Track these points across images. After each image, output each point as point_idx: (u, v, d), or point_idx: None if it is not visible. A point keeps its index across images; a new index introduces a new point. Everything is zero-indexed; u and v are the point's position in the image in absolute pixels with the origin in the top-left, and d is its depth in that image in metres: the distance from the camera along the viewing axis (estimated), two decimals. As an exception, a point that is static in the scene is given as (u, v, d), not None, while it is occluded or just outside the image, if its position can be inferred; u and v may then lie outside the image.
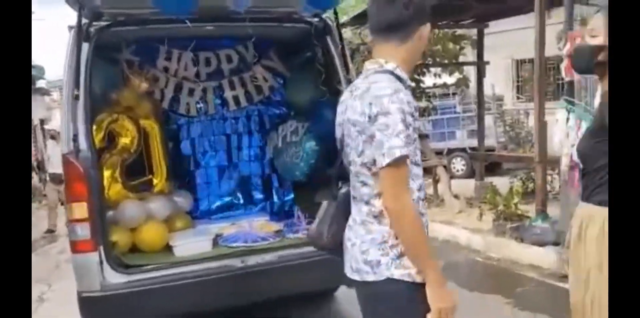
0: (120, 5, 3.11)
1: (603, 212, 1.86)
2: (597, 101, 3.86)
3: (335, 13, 3.51)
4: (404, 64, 1.71)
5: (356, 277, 1.70)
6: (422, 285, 1.63)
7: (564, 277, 4.23)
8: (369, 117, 1.59)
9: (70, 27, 3.11)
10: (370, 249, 1.66)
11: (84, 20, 2.97)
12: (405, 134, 1.56)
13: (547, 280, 4.33)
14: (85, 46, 2.96)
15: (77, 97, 2.88)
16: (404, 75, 1.70)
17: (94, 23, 3.03)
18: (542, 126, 5.16)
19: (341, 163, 1.82)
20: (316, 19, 3.45)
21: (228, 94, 4.04)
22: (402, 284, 1.63)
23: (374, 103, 1.59)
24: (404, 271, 1.63)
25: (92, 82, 3.00)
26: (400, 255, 1.64)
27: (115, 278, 2.90)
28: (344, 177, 1.81)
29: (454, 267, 4.95)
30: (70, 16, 3.16)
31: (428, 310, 1.61)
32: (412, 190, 1.65)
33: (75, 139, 2.83)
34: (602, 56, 2.00)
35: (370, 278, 1.66)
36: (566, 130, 4.19)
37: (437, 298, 1.61)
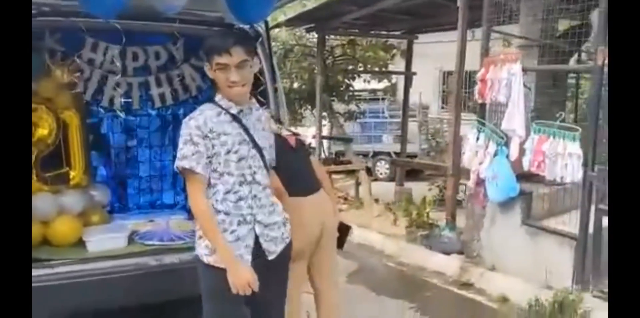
0: (46, -4, 3.05)
1: None
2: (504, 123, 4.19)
3: (266, 21, 3.60)
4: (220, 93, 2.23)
5: None
6: (214, 268, 2.19)
7: (464, 284, 4.57)
8: None
9: (-9, 14, 3.02)
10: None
11: (6, 8, 2.89)
12: (186, 150, 2.12)
13: (449, 287, 4.62)
14: (6, 34, 2.88)
15: None
16: (222, 102, 2.22)
17: (17, 11, 2.95)
18: (457, 139, 5.49)
19: None
20: (247, 26, 3.52)
21: (154, 91, 4.02)
22: (199, 263, 2.27)
23: None
24: (199, 252, 2.26)
25: (11, 71, 2.92)
26: (199, 238, 2.26)
27: (22, 272, 2.86)
28: None
29: (367, 271, 5.19)
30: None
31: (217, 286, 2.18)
32: (217, 192, 2.19)
33: (-12, 129, 2.76)
34: None
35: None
36: (475, 148, 4.51)
37: (230, 273, 2.13)
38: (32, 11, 2.98)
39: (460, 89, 5.51)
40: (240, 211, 2.21)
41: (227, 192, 2.20)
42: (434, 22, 7.66)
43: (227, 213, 2.20)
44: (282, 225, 2.37)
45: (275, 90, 3.56)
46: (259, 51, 3.46)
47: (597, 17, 4.06)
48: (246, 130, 2.22)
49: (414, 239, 5.54)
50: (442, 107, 13.54)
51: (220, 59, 2.11)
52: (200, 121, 2.14)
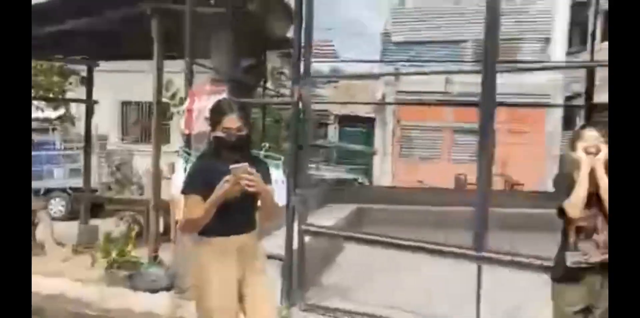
0: None
1: None
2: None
3: None
4: None
5: None
6: None
7: (179, 320, 4.41)
8: None
9: None
10: None
11: None
12: None
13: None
14: None
15: None
16: None
17: None
18: (158, 172, 5.35)
19: None
20: None
21: None
22: None
23: None
24: None
25: None
26: None
27: None
28: None
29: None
30: None
31: None
32: None
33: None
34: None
35: None
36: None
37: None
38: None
39: (161, 120, 5.41)
40: None
41: None
42: (116, 50, 7.37)
43: None
44: None
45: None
46: None
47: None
48: None
49: (117, 281, 5.10)
50: (123, 139, 13.04)
51: None
52: None
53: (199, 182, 2.69)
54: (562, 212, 2.66)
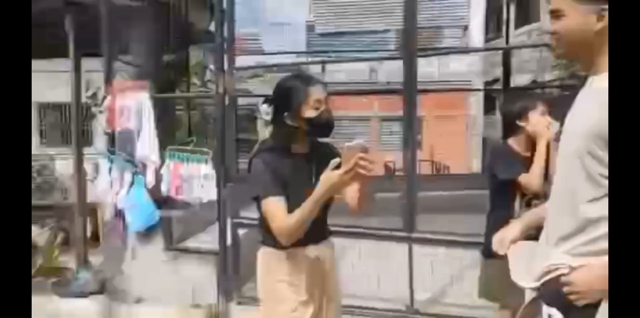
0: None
1: None
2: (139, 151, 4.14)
3: None
4: None
5: None
6: None
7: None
8: None
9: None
10: None
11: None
12: None
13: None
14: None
15: None
16: None
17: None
18: (81, 175, 5.11)
19: None
20: None
21: None
22: None
23: None
24: None
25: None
26: None
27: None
28: None
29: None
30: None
31: None
32: None
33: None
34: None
35: None
36: (109, 179, 4.33)
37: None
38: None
39: (80, 122, 5.16)
40: None
41: None
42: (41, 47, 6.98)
43: None
44: None
45: None
46: None
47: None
48: None
49: (45, 289, 4.88)
50: (42, 143, 12.41)
51: None
52: None
53: (280, 180, 2.06)
54: (508, 183, 2.66)
